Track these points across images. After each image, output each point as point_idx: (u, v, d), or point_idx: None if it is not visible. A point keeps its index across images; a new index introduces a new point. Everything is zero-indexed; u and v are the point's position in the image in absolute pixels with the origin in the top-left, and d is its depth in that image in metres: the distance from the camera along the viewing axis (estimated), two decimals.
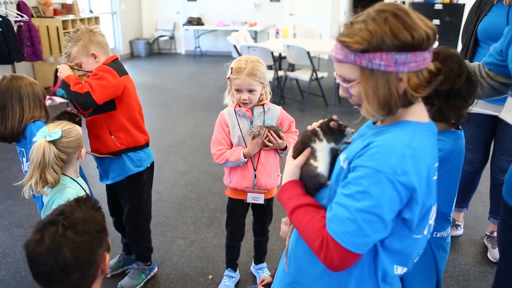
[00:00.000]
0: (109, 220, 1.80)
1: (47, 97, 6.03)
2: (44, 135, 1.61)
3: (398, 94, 0.91)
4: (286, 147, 1.98)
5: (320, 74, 5.85)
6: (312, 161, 1.12)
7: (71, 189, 1.69)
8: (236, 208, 2.16)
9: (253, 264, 2.45)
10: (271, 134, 1.91)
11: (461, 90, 1.32)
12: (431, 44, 0.91)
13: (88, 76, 1.97)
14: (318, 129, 1.13)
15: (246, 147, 1.95)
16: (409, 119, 0.97)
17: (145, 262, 2.38)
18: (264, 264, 2.41)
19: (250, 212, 2.24)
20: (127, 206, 2.23)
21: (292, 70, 6.50)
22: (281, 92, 6.04)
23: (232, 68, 1.88)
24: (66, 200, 1.13)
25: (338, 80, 0.98)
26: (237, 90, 1.89)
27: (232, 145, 1.99)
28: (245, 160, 1.94)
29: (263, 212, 2.19)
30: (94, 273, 1.03)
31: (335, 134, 1.11)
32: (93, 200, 1.11)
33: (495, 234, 2.65)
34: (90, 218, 1.04)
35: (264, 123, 1.96)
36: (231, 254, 2.31)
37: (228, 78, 1.91)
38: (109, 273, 1.05)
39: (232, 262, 2.33)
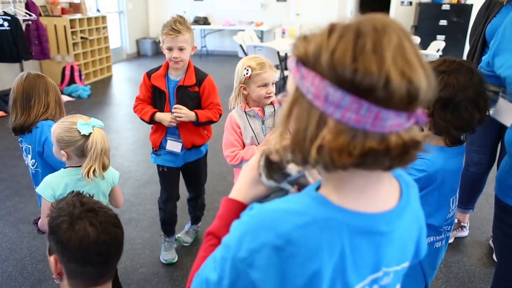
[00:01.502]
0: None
1: None
2: (90, 125, 1.62)
3: (312, 141, 0.62)
4: None
5: None
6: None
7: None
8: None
9: None
10: None
11: (460, 105, 1.24)
12: (396, 101, 0.58)
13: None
14: (262, 157, 0.84)
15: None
16: (330, 197, 0.67)
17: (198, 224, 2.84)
18: None
19: None
20: (199, 182, 2.66)
21: None
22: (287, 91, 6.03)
23: (250, 66, 1.89)
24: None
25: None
26: (264, 85, 1.91)
27: (244, 146, 2.00)
28: None
29: None
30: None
31: (275, 171, 0.81)
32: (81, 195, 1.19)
33: None
34: (89, 200, 1.18)
35: (274, 122, 1.98)
36: None
37: (249, 77, 1.89)
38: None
39: None
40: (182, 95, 2.27)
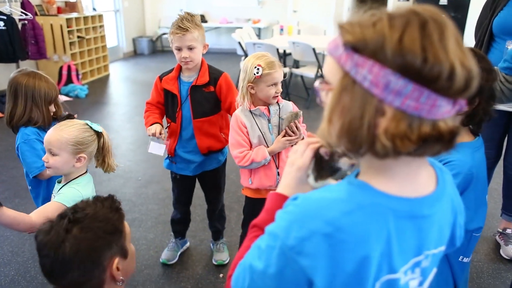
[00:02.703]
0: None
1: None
2: (95, 124, 1.63)
3: (369, 131, 0.62)
4: (303, 139, 1.97)
5: None
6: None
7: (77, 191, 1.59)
8: (256, 207, 2.12)
9: None
10: (295, 125, 1.90)
11: (493, 89, 1.26)
12: (454, 89, 0.59)
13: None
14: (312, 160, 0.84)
15: (267, 145, 1.94)
16: (373, 183, 0.68)
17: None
18: None
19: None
20: (216, 193, 2.49)
21: (297, 67, 6.47)
22: (287, 89, 6.01)
23: (260, 66, 1.84)
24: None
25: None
26: (274, 84, 1.88)
27: (251, 145, 1.97)
28: (270, 158, 1.94)
29: None
30: (99, 276, 0.99)
31: (325, 168, 0.82)
32: (114, 200, 1.08)
33: (508, 230, 2.62)
34: (101, 216, 1.01)
35: (279, 120, 1.96)
36: None
37: (259, 76, 1.84)
38: (123, 282, 1.00)
39: None
40: (197, 97, 2.15)
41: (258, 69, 1.83)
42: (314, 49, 5.39)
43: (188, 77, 2.17)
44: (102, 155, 1.65)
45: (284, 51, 6.21)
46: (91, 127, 1.59)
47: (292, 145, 2.02)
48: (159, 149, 2.22)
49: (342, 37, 0.63)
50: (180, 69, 2.20)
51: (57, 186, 1.63)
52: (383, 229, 0.66)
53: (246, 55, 5.99)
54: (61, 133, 1.53)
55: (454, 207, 0.79)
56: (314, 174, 0.82)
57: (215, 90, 2.17)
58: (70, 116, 1.84)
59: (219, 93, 2.19)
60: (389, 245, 0.67)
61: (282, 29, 7.67)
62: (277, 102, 1.96)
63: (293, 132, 1.91)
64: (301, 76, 6.20)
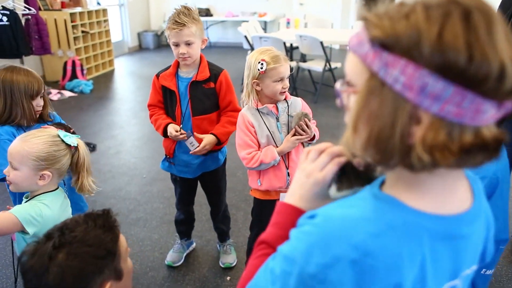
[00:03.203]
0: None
1: (56, 91, 5.99)
2: (71, 136, 1.44)
3: (402, 141, 0.53)
4: (314, 137, 1.89)
5: (333, 65, 5.70)
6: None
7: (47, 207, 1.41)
8: (266, 209, 2.05)
9: None
10: (305, 124, 1.82)
11: None
12: (504, 91, 0.50)
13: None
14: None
15: (276, 145, 1.86)
16: (403, 199, 0.60)
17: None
18: None
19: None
20: (218, 195, 2.38)
21: (304, 61, 6.35)
22: (294, 83, 5.90)
23: (264, 61, 1.75)
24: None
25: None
26: (280, 80, 1.78)
27: (259, 145, 1.88)
28: (279, 158, 1.85)
29: None
30: None
31: (359, 180, 0.70)
32: (109, 217, 0.98)
33: None
34: (92, 239, 0.91)
35: (288, 118, 1.87)
36: None
37: (264, 71, 1.75)
38: None
39: None
40: (196, 93, 2.06)
41: (262, 64, 1.74)
42: (321, 43, 5.28)
43: (187, 73, 2.09)
44: (76, 172, 1.44)
45: (291, 44, 6.10)
46: (62, 140, 1.39)
47: (303, 145, 1.93)
48: (192, 144, 2.09)
49: (368, 32, 0.54)
50: (177, 65, 2.11)
51: (24, 201, 1.45)
52: (417, 252, 0.57)
53: (252, 49, 5.88)
54: (24, 145, 1.34)
55: (487, 219, 0.71)
56: (337, 185, 0.72)
57: (215, 86, 2.09)
58: (61, 126, 1.75)
59: (219, 90, 2.10)
60: (423, 271, 0.58)
61: (288, 22, 7.55)
62: (285, 99, 1.87)
63: (303, 130, 1.82)
64: (309, 70, 6.09)
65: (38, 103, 1.82)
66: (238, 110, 2.02)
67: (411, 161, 0.54)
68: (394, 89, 0.52)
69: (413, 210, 0.59)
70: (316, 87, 5.86)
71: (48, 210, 1.35)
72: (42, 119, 1.87)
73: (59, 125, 1.88)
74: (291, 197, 0.76)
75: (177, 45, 1.99)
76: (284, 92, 1.83)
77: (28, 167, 1.33)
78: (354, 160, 0.69)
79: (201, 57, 2.10)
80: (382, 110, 0.54)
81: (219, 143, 2.09)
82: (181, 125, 2.09)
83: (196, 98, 2.07)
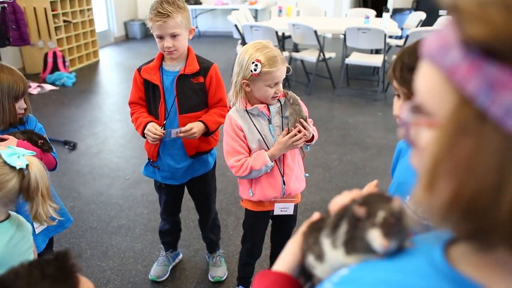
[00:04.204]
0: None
1: (36, 84, 5.68)
2: (19, 154, 1.18)
3: None
4: (312, 138, 1.67)
5: (327, 55, 5.48)
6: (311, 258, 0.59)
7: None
8: (258, 221, 1.84)
9: None
10: (301, 124, 1.61)
11: None
12: None
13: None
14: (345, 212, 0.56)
15: (269, 149, 1.64)
16: (479, 278, 0.40)
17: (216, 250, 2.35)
18: None
19: None
20: (207, 201, 2.17)
21: (297, 51, 6.10)
22: (286, 74, 5.66)
23: (259, 61, 1.52)
24: None
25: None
26: (274, 84, 1.56)
27: (250, 151, 1.66)
28: (272, 164, 1.62)
29: (288, 221, 1.87)
30: None
31: (357, 239, 0.53)
32: (64, 262, 0.75)
33: None
34: None
35: (282, 119, 1.65)
36: (245, 272, 1.99)
37: (257, 74, 1.52)
38: None
39: (245, 280, 2.02)
40: (184, 88, 1.84)
41: (256, 65, 1.51)
42: (315, 32, 5.04)
43: (173, 66, 1.86)
44: (29, 199, 1.19)
45: (283, 33, 5.84)
46: (5, 162, 1.14)
47: (296, 146, 1.72)
48: (176, 132, 1.84)
49: (461, 29, 0.33)
50: (162, 57, 1.88)
51: None
52: None
53: (243, 39, 5.62)
54: None
55: None
56: (345, 246, 0.53)
57: (204, 81, 1.87)
58: (28, 134, 1.50)
59: (209, 85, 1.88)
60: None
61: (280, 11, 7.26)
62: (277, 97, 1.65)
63: (299, 131, 1.60)
64: (301, 61, 5.85)
65: (21, 105, 1.62)
66: (225, 100, 1.82)
67: None
68: (505, 126, 0.32)
69: None
70: (309, 78, 5.62)
71: None
72: (21, 123, 1.66)
73: (25, 133, 1.63)
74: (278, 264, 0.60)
75: (161, 37, 1.77)
76: (277, 97, 1.61)
77: None
78: (355, 208, 0.52)
79: (188, 49, 1.87)
80: (482, 158, 0.33)
81: (207, 133, 1.87)
82: (164, 123, 1.86)
83: (184, 93, 1.85)
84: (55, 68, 6.04)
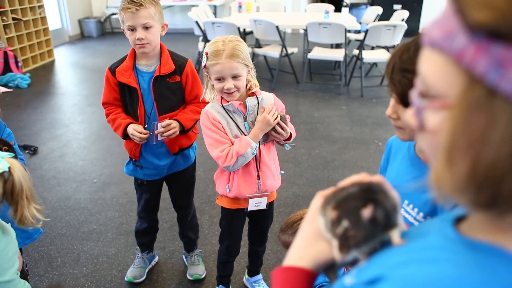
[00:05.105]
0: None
1: None
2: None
3: None
4: (290, 137, 1.68)
5: (289, 50, 5.53)
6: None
7: None
8: (235, 219, 1.83)
9: (246, 276, 2.14)
10: (280, 126, 1.61)
11: None
12: None
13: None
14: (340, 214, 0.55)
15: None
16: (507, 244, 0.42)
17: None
18: (260, 276, 2.11)
19: None
20: (188, 196, 2.16)
21: (259, 46, 6.12)
22: None
23: (207, 54, 1.52)
24: None
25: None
26: (218, 79, 1.54)
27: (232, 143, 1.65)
28: (257, 145, 1.61)
29: (264, 218, 1.88)
30: None
31: (364, 233, 0.52)
32: None
33: None
34: None
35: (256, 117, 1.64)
36: (225, 270, 1.99)
37: (205, 66, 1.55)
38: None
39: (225, 279, 2.01)
40: (161, 89, 1.80)
41: (204, 58, 1.54)
42: (277, 27, 5.07)
43: (147, 66, 1.82)
44: (13, 203, 1.15)
45: (244, 29, 5.84)
46: None
47: (279, 143, 1.73)
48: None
49: (466, 15, 0.36)
50: (134, 56, 1.83)
51: None
52: None
53: (204, 35, 5.57)
54: None
55: None
56: (339, 244, 0.53)
57: (181, 80, 1.84)
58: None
59: (185, 83, 1.86)
60: None
61: (240, 6, 7.24)
62: (254, 94, 1.64)
63: (278, 133, 1.61)
64: (264, 56, 5.87)
65: None
66: (205, 103, 1.77)
67: None
68: None
69: None
70: (272, 74, 5.66)
71: None
72: None
73: None
74: (289, 258, 0.59)
75: (133, 29, 1.72)
76: (230, 93, 1.56)
77: None
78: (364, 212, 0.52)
79: (161, 47, 1.83)
80: (494, 131, 0.36)
81: (183, 131, 1.85)
82: (145, 126, 1.83)
83: (161, 95, 1.82)
84: (7, 69, 5.75)
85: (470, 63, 0.37)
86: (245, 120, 1.63)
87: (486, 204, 0.40)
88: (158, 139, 1.84)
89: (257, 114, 1.63)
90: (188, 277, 2.19)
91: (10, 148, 1.58)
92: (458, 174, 0.39)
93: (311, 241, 0.58)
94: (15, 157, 1.56)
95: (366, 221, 0.52)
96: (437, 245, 0.46)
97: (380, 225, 0.52)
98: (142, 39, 1.71)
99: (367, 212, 0.52)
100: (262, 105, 1.64)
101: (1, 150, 1.56)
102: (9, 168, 1.10)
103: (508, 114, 0.35)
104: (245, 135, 1.62)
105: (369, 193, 0.54)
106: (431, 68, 0.41)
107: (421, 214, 0.69)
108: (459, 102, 0.38)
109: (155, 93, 1.80)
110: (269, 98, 1.68)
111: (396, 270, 0.44)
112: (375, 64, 5.93)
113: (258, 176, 1.68)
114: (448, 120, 0.39)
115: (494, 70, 0.35)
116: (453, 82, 0.39)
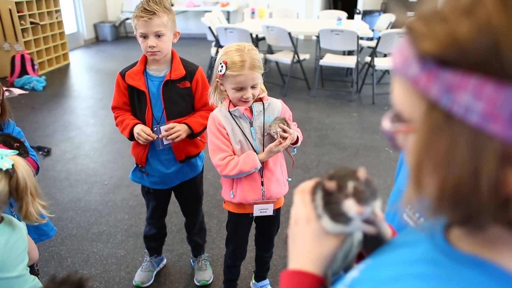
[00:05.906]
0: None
1: (4, 88, 5.48)
2: (2, 154, 1.16)
3: (493, 192, 0.37)
4: (297, 141, 1.69)
5: (301, 56, 5.54)
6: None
7: None
8: (240, 224, 1.84)
9: (253, 281, 2.15)
10: (282, 130, 1.61)
11: None
12: None
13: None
14: (317, 186, 0.62)
15: (255, 150, 1.65)
16: (504, 263, 0.42)
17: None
18: (267, 281, 2.12)
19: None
20: (196, 204, 2.17)
21: (271, 52, 6.14)
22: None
23: (225, 63, 1.54)
24: None
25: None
26: (239, 89, 1.56)
27: (234, 151, 1.66)
28: (260, 166, 1.64)
29: (270, 225, 1.89)
30: None
31: (330, 205, 0.58)
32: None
33: None
34: None
35: (264, 122, 1.66)
36: (231, 274, 1.99)
37: (222, 75, 1.56)
38: None
39: (231, 283, 2.02)
40: (171, 94, 1.82)
41: (222, 66, 1.55)
42: (289, 33, 5.09)
43: (158, 71, 1.84)
44: (18, 199, 1.18)
45: (257, 35, 5.87)
46: None
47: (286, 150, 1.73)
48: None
49: (415, 45, 0.39)
50: (145, 61, 1.85)
51: None
52: None
53: (217, 41, 5.61)
54: None
55: None
56: (329, 212, 0.58)
57: (191, 86, 1.86)
58: (3, 137, 1.45)
59: (195, 89, 1.87)
60: None
61: (253, 12, 7.29)
62: (261, 100, 1.66)
63: (282, 138, 1.61)
64: (276, 62, 5.89)
65: None
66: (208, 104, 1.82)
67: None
68: (469, 122, 0.36)
69: None
70: (284, 80, 5.68)
71: None
72: None
73: (1, 136, 1.59)
74: (292, 262, 0.61)
75: (145, 36, 1.75)
76: (246, 101, 1.60)
77: None
78: (326, 184, 0.58)
79: (172, 53, 1.86)
80: (456, 152, 0.37)
81: (192, 135, 1.86)
82: (153, 130, 1.85)
83: (171, 99, 1.83)
84: (24, 72, 5.86)
85: (425, 89, 0.38)
86: (251, 125, 1.65)
87: (463, 220, 0.41)
88: (164, 143, 1.85)
89: (263, 119, 1.65)
90: (195, 282, 2.20)
91: (21, 145, 1.62)
92: (428, 195, 0.41)
93: (314, 240, 0.59)
94: (21, 154, 1.61)
95: (364, 181, 0.57)
96: (426, 258, 0.46)
97: (373, 187, 0.57)
98: (154, 46, 1.74)
99: (361, 173, 0.57)
100: (267, 111, 1.66)
101: (13, 147, 1.60)
102: (13, 165, 1.13)
103: (465, 136, 0.36)
104: (249, 142, 1.63)
105: (350, 170, 0.59)
106: (398, 93, 0.43)
107: (422, 220, 0.69)
108: (421, 125, 0.40)
109: (165, 97, 1.82)
110: (276, 105, 1.70)
111: (386, 286, 0.44)
112: (387, 71, 5.91)
113: (262, 182, 1.69)
114: (414, 143, 0.41)
115: (446, 95, 0.37)
116: (416, 107, 0.40)
